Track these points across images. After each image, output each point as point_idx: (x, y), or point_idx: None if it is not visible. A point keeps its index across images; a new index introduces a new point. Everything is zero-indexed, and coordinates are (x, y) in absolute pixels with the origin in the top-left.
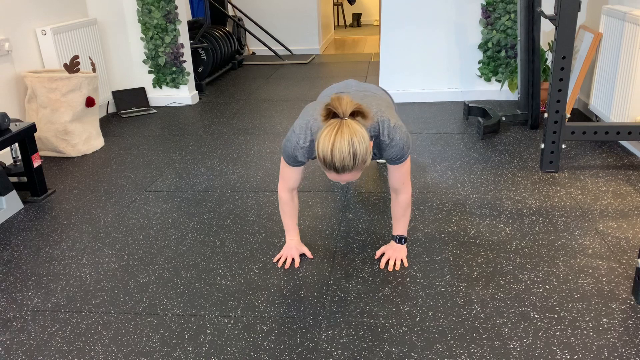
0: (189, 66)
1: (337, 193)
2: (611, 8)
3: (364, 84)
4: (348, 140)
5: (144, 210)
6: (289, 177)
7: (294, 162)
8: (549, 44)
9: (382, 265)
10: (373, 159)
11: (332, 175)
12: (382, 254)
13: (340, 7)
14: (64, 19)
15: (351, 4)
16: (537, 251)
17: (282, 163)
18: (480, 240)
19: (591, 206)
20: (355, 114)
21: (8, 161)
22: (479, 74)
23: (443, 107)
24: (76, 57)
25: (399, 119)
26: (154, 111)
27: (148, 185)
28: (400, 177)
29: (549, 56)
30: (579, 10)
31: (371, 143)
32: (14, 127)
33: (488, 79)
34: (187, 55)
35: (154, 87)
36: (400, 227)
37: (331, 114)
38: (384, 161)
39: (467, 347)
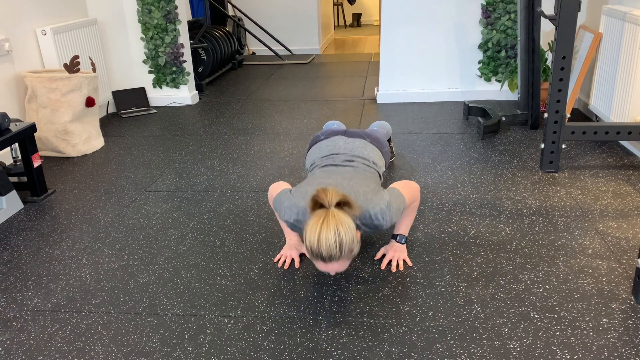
0: (189, 66)
1: None
2: (611, 8)
3: (352, 141)
4: (334, 230)
5: (144, 210)
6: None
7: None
8: (549, 44)
9: (383, 266)
10: (374, 232)
11: (320, 265)
12: (383, 255)
13: (340, 7)
14: (64, 19)
15: (351, 4)
16: (537, 251)
17: (275, 186)
18: (480, 240)
19: (591, 206)
20: (341, 204)
21: (8, 161)
22: (479, 74)
23: (443, 107)
24: (76, 57)
25: (384, 195)
26: (154, 111)
27: (148, 185)
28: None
29: (549, 56)
30: (579, 10)
31: (358, 233)
32: (14, 127)
33: (488, 79)
34: (187, 55)
35: (154, 87)
36: (402, 226)
37: (318, 204)
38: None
39: (467, 347)
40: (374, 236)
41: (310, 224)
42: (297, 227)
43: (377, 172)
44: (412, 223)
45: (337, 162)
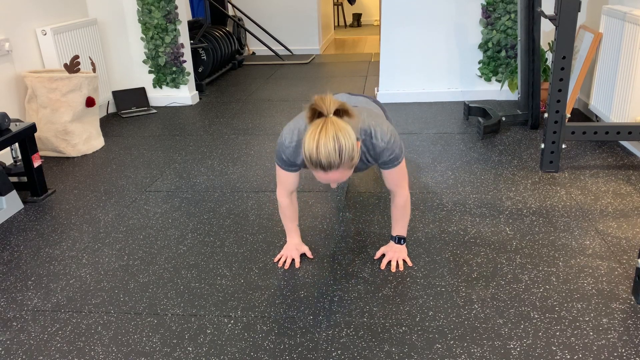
0: (189, 66)
1: (337, 193)
2: (611, 8)
3: (355, 97)
4: (333, 137)
5: (144, 210)
6: (286, 181)
7: (286, 165)
8: (549, 44)
9: (383, 266)
10: (367, 166)
11: (319, 175)
12: (382, 255)
13: (340, 7)
14: (64, 19)
15: (351, 4)
16: (537, 251)
17: (277, 169)
18: (480, 240)
19: (591, 206)
20: (340, 112)
21: (8, 161)
22: (479, 74)
23: (443, 107)
24: (76, 57)
25: (390, 125)
26: (154, 111)
27: (148, 185)
28: (394, 180)
29: (549, 56)
30: (579, 10)
31: (359, 143)
32: (14, 127)
33: (488, 79)
34: (187, 55)
35: (154, 87)
36: (399, 227)
37: (316, 113)
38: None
39: (467, 347)
40: (374, 236)
41: (309, 133)
42: (296, 157)
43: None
44: (410, 223)
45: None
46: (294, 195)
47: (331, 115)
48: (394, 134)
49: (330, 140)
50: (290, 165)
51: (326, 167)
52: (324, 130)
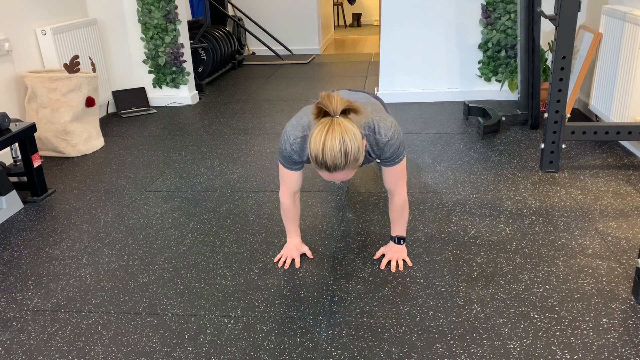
0: (189, 66)
1: (337, 193)
2: (611, 8)
3: (356, 93)
4: (339, 139)
5: (144, 210)
6: (289, 180)
7: (290, 163)
8: (549, 44)
9: (383, 266)
10: (370, 160)
11: (324, 174)
12: (382, 255)
13: (340, 7)
14: (64, 19)
15: (351, 4)
16: (537, 251)
17: (280, 167)
18: (480, 240)
19: (591, 206)
20: (347, 111)
21: (8, 161)
22: (479, 74)
23: (443, 107)
24: (76, 57)
25: (393, 119)
26: (154, 111)
27: (148, 185)
28: (393, 178)
29: (549, 56)
30: (579, 10)
31: (364, 141)
32: (14, 127)
33: (488, 79)
34: (187, 55)
35: (154, 87)
36: (398, 228)
37: (322, 112)
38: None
39: (467, 347)
40: (374, 236)
41: (315, 133)
42: (302, 152)
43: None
44: (410, 223)
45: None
46: (297, 197)
47: (338, 116)
48: (396, 130)
49: (337, 142)
50: (295, 163)
51: (332, 168)
52: (330, 132)
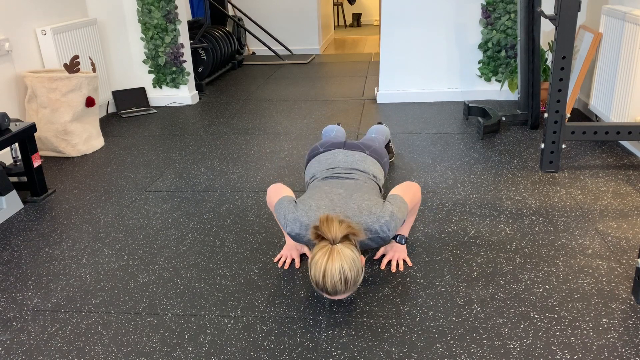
0: (189, 66)
1: None
2: (611, 8)
3: (352, 154)
4: (339, 269)
5: (144, 210)
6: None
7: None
8: (549, 44)
9: (382, 266)
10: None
11: (325, 295)
12: (383, 255)
13: (340, 7)
14: (64, 19)
15: (351, 4)
16: (537, 251)
17: (274, 188)
18: (480, 240)
19: (591, 206)
20: (347, 236)
21: (8, 161)
22: (479, 74)
23: (443, 107)
24: (76, 57)
25: (387, 207)
26: (154, 111)
27: (148, 185)
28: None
29: (549, 56)
30: (579, 10)
31: (363, 259)
32: (14, 127)
33: (488, 79)
34: (187, 55)
35: (154, 87)
36: (402, 227)
37: (321, 236)
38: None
39: (467, 347)
40: None
41: (315, 260)
42: (298, 239)
43: (377, 185)
44: (413, 223)
45: (338, 174)
46: None
47: (337, 244)
48: (393, 214)
49: (337, 272)
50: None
51: (332, 293)
52: (330, 261)
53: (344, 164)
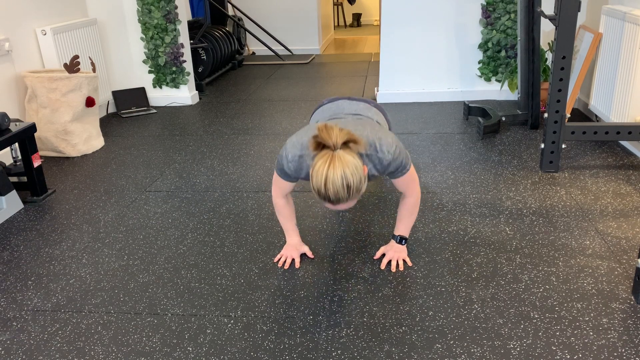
0: (189, 66)
1: None
2: (611, 8)
3: (357, 102)
4: (341, 174)
5: (144, 210)
6: (283, 186)
7: (285, 175)
8: (549, 44)
9: (383, 266)
10: (376, 177)
11: (327, 205)
12: (383, 255)
13: (340, 7)
14: (64, 19)
15: (351, 4)
16: (537, 251)
17: (275, 175)
18: (480, 240)
19: (591, 206)
20: (347, 142)
21: (8, 161)
22: (479, 74)
23: (443, 107)
24: (76, 57)
25: (394, 136)
26: (154, 111)
27: (148, 185)
28: (404, 185)
29: (549, 56)
30: (579, 10)
31: (365, 169)
32: (14, 127)
33: (488, 79)
34: (187, 55)
35: (154, 87)
36: (402, 227)
37: (321, 145)
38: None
39: (467, 347)
40: (374, 236)
41: (316, 167)
42: (298, 172)
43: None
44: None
45: (342, 116)
46: (289, 196)
47: (338, 150)
48: (398, 145)
49: (339, 177)
50: (290, 177)
51: (335, 201)
52: (331, 167)
53: (348, 110)
